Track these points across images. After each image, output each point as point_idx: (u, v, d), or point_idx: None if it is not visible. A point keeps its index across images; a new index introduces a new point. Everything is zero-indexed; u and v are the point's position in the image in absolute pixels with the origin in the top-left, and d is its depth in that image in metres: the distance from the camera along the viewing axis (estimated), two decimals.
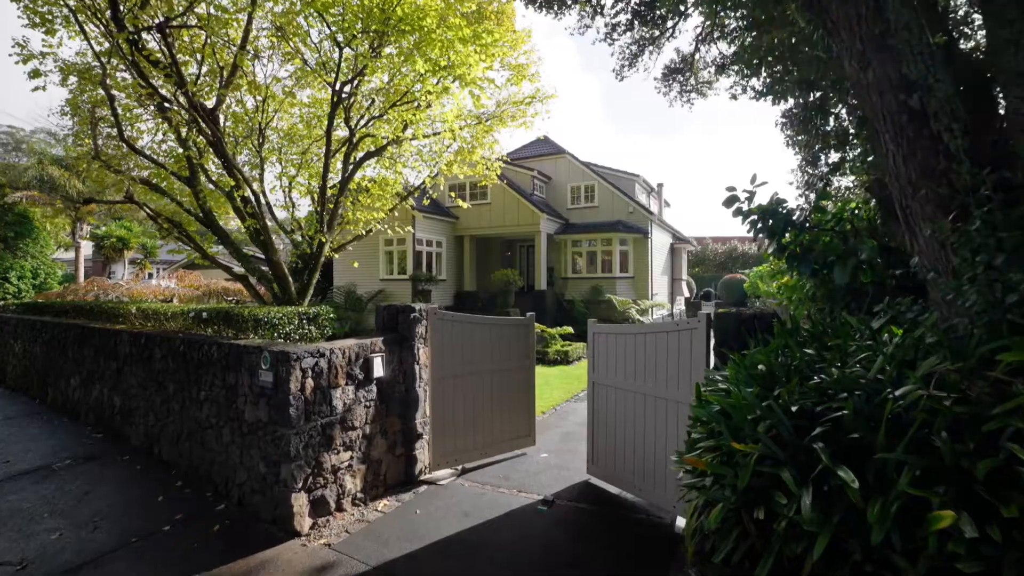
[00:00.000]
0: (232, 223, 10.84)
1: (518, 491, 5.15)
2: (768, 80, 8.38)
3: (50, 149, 26.93)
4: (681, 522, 4.39)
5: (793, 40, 5.44)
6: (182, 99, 7.69)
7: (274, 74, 10.30)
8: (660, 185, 25.34)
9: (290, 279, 9.86)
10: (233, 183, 8.76)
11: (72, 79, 8.32)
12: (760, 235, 4.04)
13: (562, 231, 19.89)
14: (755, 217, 4.04)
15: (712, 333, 4.14)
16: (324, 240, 9.66)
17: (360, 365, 4.79)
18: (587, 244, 19.47)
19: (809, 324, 3.68)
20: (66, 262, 31.89)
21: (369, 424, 4.90)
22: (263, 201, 10.93)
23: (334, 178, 10.28)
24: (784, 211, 4.01)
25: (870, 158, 4.94)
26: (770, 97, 9.45)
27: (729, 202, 4.22)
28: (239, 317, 5.41)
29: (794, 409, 2.07)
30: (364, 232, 11.15)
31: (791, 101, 9.49)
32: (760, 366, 2.72)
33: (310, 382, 4.30)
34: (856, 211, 4.29)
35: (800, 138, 8.04)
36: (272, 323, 5.24)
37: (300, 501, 4.20)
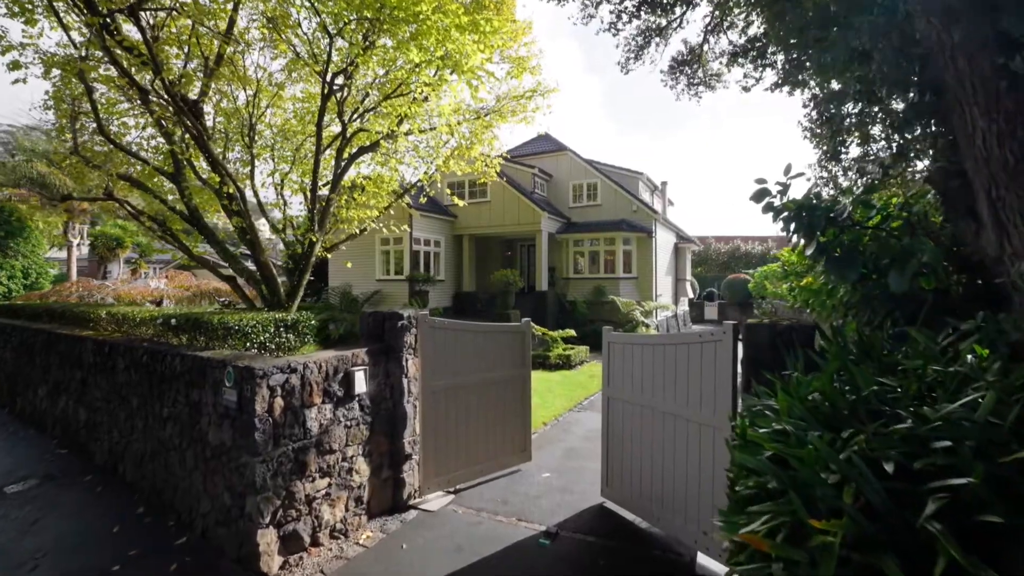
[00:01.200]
0: (222, 222, 10.31)
1: (518, 519, 4.62)
2: (786, 67, 7.85)
3: (41, 146, 26.44)
4: (704, 560, 3.86)
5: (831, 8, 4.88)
6: (160, 88, 7.20)
7: (265, 67, 9.78)
8: (664, 183, 24.77)
9: (278, 280, 9.37)
10: (218, 179, 8.29)
11: (55, 72, 7.84)
12: (796, 234, 3.51)
13: (564, 230, 19.35)
14: (789, 213, 3.50)
15: (741, 346, 3.61)
16: (315, 239, 9.17)
17: (339, 380, 4.26)
18: (589, 244, 18.93)
19: (856, 337, 3.16)
20: (61, 261, 31.41)
21: (350, 446, 4.37)
22: (256, 198, 10.44)
23: (327, 175, 9.79)
24: (823, 206, 3.48)
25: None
26: (786, 87, 8.92)
27: (759, 196, 3.68)
28: (208, 325, 4.87)
29: (888, 468, 1.54)
30: (358, 231, 10.65)
31: (808, 92, 8.96)
32: (817, 395, 2.20)
33: (280, 401, 3.77)
34: (912, 206, 3.74)
35: (822, 130, 7.49)
36: (244, 332, 4.71)
37: (268, 538, 3.67)
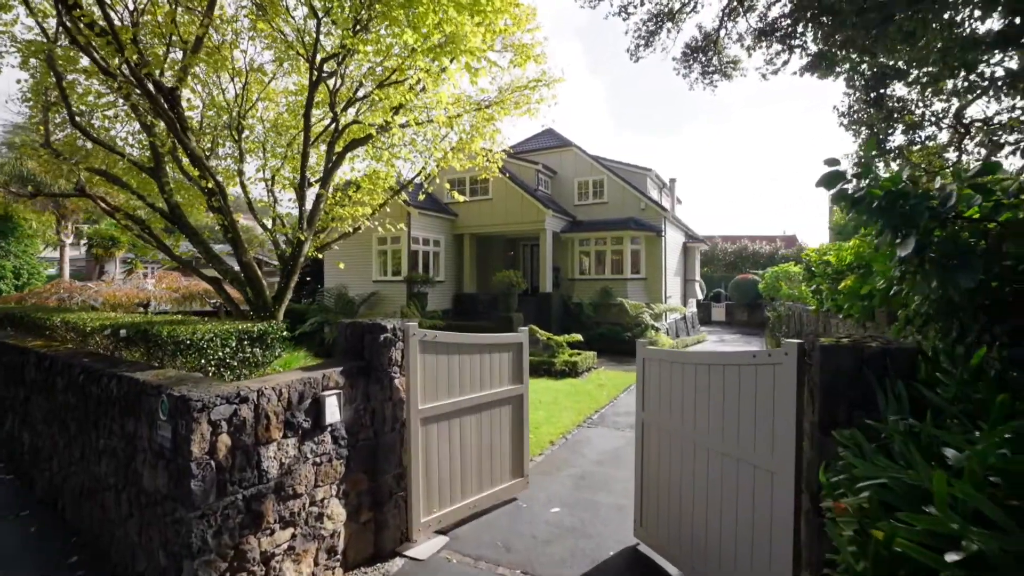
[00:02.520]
0: (212, 220, 9.69)
1: (523, 572, 3.85)
2: (821, 48, 7.04)
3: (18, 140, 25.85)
4: None
5: None
6: (127, 71, 6.48)
7: (254, 59, 9.15)
8: (672, 180, 23.93)
9: (263, 282, 8.65)
10: (197, 172, 7.59)
11: (33, 62, 7.17)
12: (887, 229, 2.73)
13: (569, 229, 18.56)
14: (878, 202, 2.72)
15: (808, 372, 2.82)
16: (303, 238, 8.45)
17: (306, 408, 3.49)
18: (596, 243, 18.13)
19: (947, 362, 2.40)
20: (56, 261, 30.87)
21: (321, 486, 3.60)
22: (245, 195, 9.72)
23: (321, 171, 9.11)
24: (924, 193, 2.69)
25: None
26: (817, 72, 8.10)
27: (830, 181, 2.90)
28: (157, 338, 4.11)
29: None
30: (351, 230, 9.93)
31: (839, 78, 8.15)
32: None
33: (225, 440, 3.00)
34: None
35: (864, 115, 6.68)
36: (198, 346, 3.95)
37: None
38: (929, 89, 5.30)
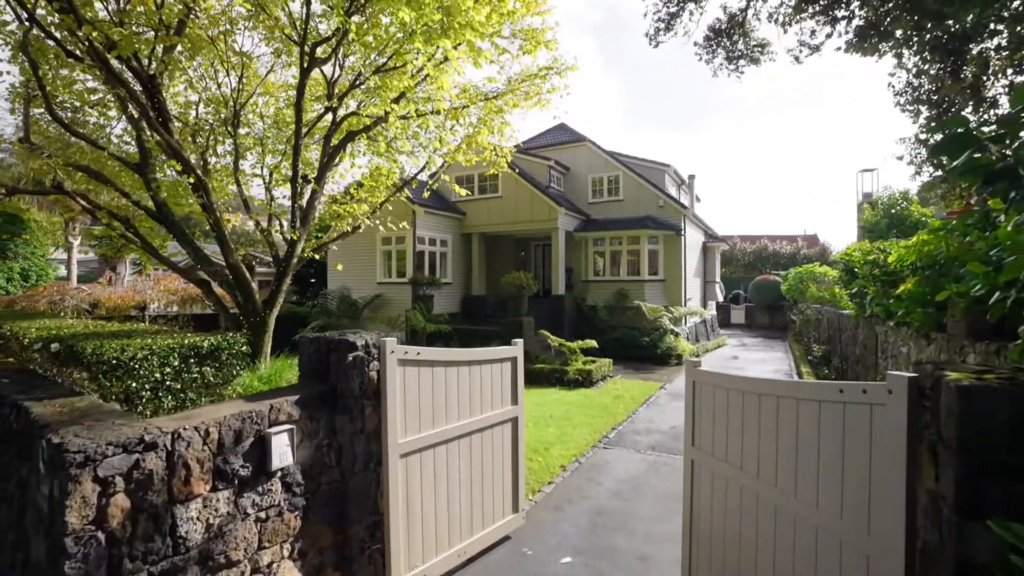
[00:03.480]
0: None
1: None
2: (871, 17, 6.11)
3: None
4: None
5: None
6: (95, 56, 5.84)
7: (252, 51, 8.53)
8: (691, 177, 22.88)
9: (253, 285, 7.99)
10: (180, 166, 6.97)
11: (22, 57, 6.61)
12: None
13: (583, 228, 17.68)
14: None
15: (928, 420, 1.97)
16: (295, 237, 7.78)
17: (245, 451, 2.73)
18: (611, 242, 17.23)
19: None
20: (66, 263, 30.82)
21: (267, 548, 2.83)
22: (240, 193, 9.12)
23: (316, 167, 8.46)
24: None
25: None
26: (860, 50, 7.16)
27: (954, 147, 2.06)
28: (80, 355, 3.39)
29: None
30: (349, 229, 9.24)
31: (885, 56, 7.20)
32: None
33: (121, 501, 2.24)
34: None
35: (932, 89, 5.74)
36: (127, 367, 3.22)
37: None
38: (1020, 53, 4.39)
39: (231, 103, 8.15)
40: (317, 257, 9.40)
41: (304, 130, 8.05)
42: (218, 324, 14.77)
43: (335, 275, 16.99)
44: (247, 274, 7.85)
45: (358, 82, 7.68)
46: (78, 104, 7.85)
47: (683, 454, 3.55)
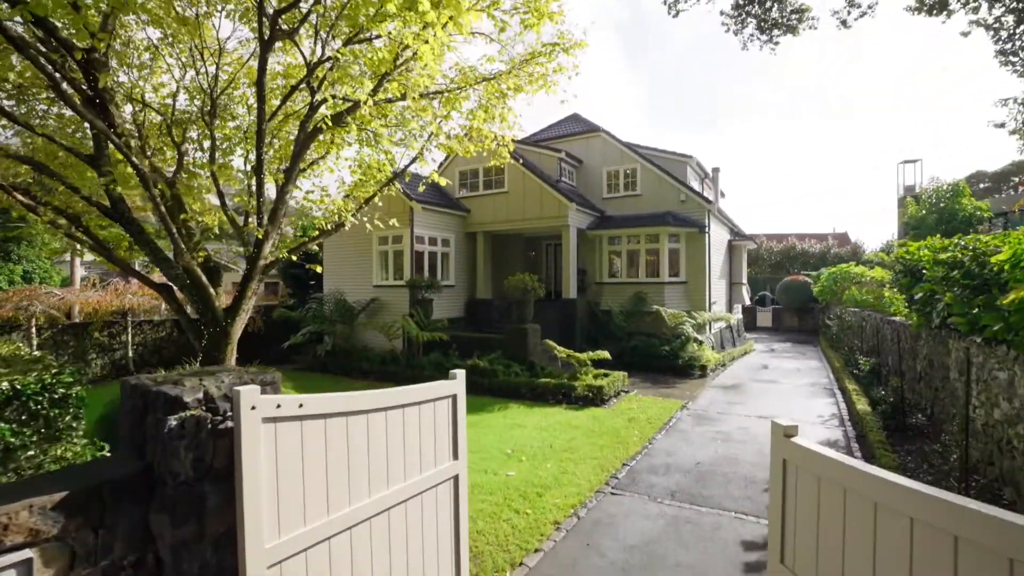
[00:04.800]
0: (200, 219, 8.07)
1: None
2: None
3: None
4: None
5: None
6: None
7: (217, 25, 7.44)
8: (716, 170, 21.16)
9: (211, 290, 6.82)
10: (120, 156, 5.90)
11: None
12: None
13: (596, 225, 16.27)
14: None
15: None
16: (261, 236, 6.63)
17: None
18: (628, 241, 15.79)
19: None
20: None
21: None
22: (216, 188, 8.08)
23: (308, 159, 7.35)
24: None
25: None
26: (925, 12, 5.68)
27: None
28: None
29: None
30: (330, 228, 8.07)
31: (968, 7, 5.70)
32: None
33: None
34: None
35: None
36: None
37: None
38: None
39: (207, 90, 7.12)
40: (295, 259, 8.23)
41: (280, 117, 6.97)
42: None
43: (330, 277, 15.92)
44: (202, 277, 6.71)
45: (324, 56, 6.48)
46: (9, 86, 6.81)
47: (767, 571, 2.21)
